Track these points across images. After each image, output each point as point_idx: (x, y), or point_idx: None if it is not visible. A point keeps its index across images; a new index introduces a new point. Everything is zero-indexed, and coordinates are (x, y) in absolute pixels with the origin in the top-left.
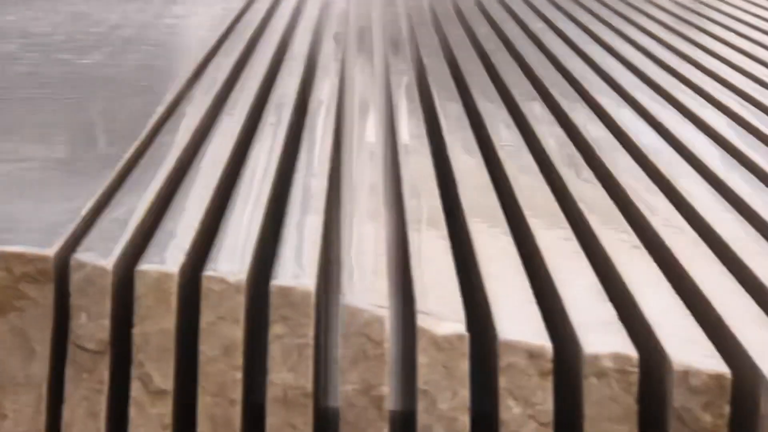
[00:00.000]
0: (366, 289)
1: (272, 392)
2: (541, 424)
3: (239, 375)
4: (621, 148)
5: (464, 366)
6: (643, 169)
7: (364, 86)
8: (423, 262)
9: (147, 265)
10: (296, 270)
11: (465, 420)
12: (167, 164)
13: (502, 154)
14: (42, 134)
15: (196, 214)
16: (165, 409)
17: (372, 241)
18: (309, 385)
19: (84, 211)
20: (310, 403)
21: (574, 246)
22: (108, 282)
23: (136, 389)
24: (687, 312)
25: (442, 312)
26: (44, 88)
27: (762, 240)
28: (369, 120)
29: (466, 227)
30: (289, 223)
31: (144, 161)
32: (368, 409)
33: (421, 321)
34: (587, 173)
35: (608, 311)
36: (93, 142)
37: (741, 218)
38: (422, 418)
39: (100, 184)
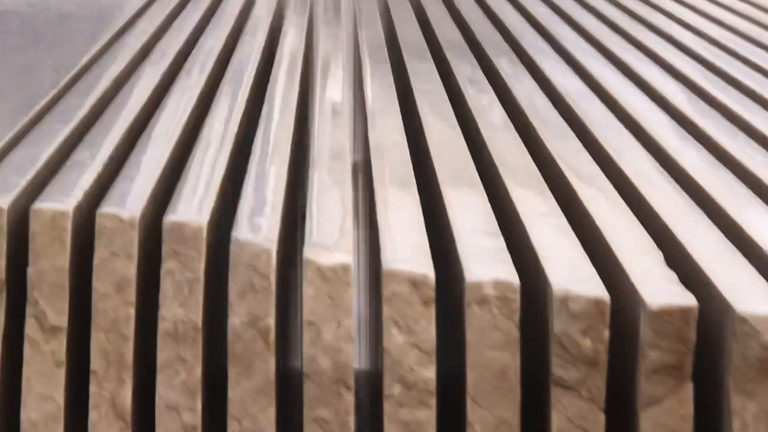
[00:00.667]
0: (262, 225)
1: (163, 327)
2: (423, 352)
3: (132, 311)
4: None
5: (349, 296)
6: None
7: (330, 45)
8: (318, 201)
9: (42, 204)
10: (193, 207)
11: (349, 350)
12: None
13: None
14: None
15: (102, 156)
16: (59, 346)
17: (274, 180)
18: (199, 320)
19: None
20: (199, 337)
21: (470, 177)
22: (2, 221)
23: (30, 327)
24: (577, 243)
25: (329, 244)
26: None
27: (667, 177)
28: (335, 79)
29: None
30: (194, 163)
31: (60, 107)
32: (255, 341)
33: (308, 252)
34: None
35: (496, 243)
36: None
37: (651, 157)
38: (308, 349)
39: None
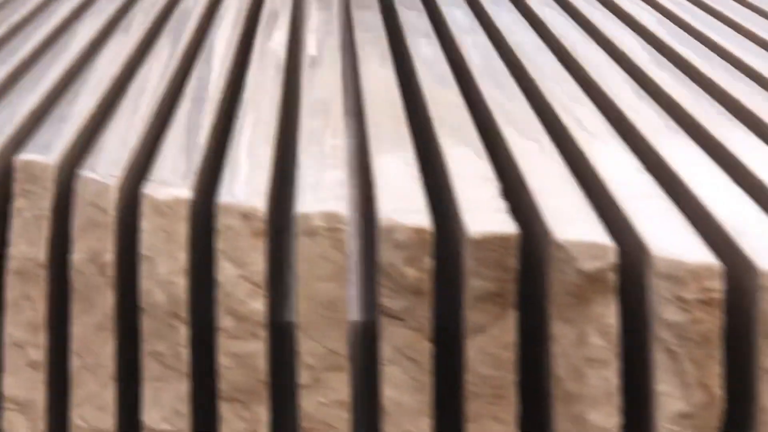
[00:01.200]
0: (109, 160)
1: (11, 265)
2: (254, 284)
3: None
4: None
5: (183, 230)
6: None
7: None
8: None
9: None
10: (47, 148)
11: (182, 283)
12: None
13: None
14: None
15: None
16: None
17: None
18: (42, 256)
19: None
20: (43, 274)
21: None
22: None
23: None
24: (415, 176)
25: (168, 179)
26: None
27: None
28: (277, 30)
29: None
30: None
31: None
32: (95, 276)
33: (146, 188)
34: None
35: (336, 176)
36: None
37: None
38: (144, 283)
39: None
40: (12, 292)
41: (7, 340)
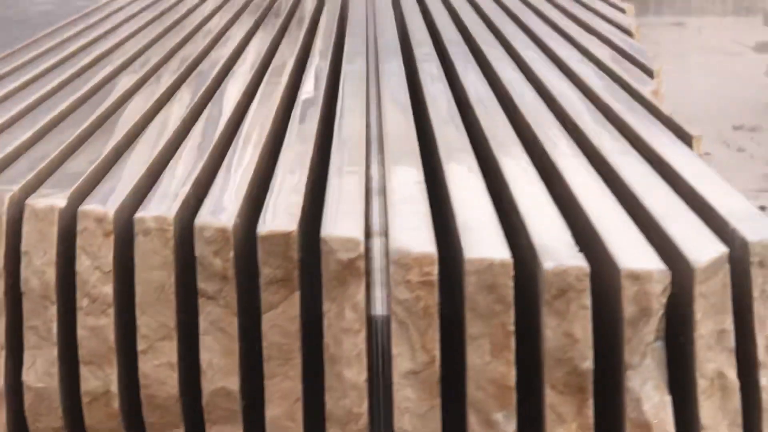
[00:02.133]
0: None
1: None
2: (104, 273)
3: None
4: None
5: (53, 231)
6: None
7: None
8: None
9: None
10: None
11: (52, 272)
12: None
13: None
14: None
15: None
16: None
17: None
18: None
19: None
20: None
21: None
22: None
23: None
24: (241, 182)
25: (50, 193)
26: None
27: None
28: (284, 76)
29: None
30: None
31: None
32: None
33: (29, 199)
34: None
35: (180, 188)
36: None
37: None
38: (23, 272)
39: None
40: None
41: None
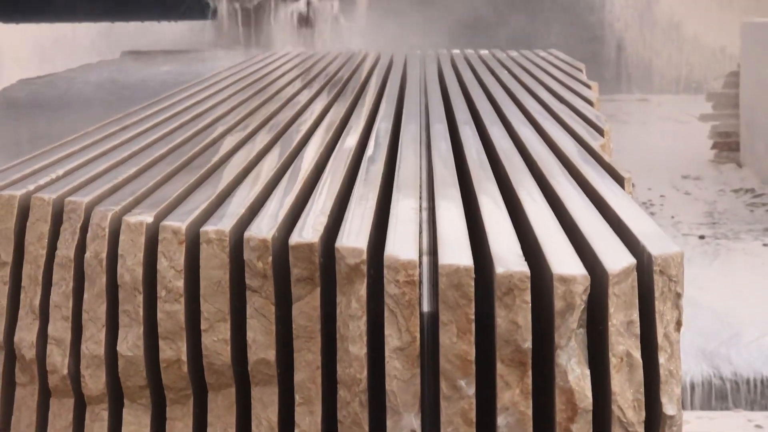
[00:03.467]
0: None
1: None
2: (177, 272)
3: (43, 252)
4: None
5: (141, 240)
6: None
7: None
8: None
9: (3, 192)
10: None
11: (140, 271)
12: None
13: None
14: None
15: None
16: (6, 273)
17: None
18: (72, 254)
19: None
20: (71, 265)
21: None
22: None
23: None
24: (285, 200)
25: (141, 212)
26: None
27: None
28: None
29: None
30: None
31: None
32: (95, 266)
33: (126, 216)
34: None
35: (237, 209)
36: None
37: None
38: (119, 270)
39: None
40: (55, 275)
41: (51, 304)
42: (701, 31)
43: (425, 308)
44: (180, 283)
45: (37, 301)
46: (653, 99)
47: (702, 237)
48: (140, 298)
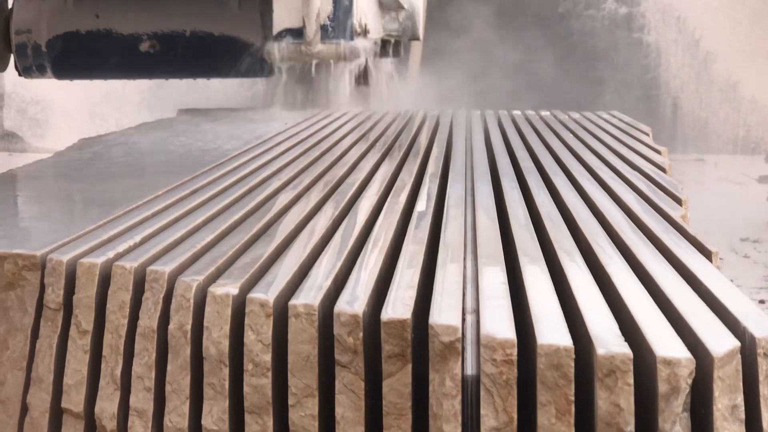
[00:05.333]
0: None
1: (138, 331)
2: (264, 345)
3: (125, 321)
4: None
5: (228, 311)
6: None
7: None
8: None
9: (84, 259)
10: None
11: (225, 343)
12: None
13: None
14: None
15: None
16: (86, 342)
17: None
18: (155, 325)
19: (87, 229)
20: (153, 336)
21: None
22: (63, 269)
23: (72, 330)
24: (371, 276)
25: (226, 283)
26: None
27: None
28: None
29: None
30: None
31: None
32: (181, 339)
33: (211, 287)
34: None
35: (323, 282)
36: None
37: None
38: (204, 342)
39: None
40: (138, 345)
41: (133, 374)
42: (759, 91)
43: (468, 371)
44: (267, 357)
45: (118, 371)
46: (709, 159)
47: (762, 302)
48: (226, 371)
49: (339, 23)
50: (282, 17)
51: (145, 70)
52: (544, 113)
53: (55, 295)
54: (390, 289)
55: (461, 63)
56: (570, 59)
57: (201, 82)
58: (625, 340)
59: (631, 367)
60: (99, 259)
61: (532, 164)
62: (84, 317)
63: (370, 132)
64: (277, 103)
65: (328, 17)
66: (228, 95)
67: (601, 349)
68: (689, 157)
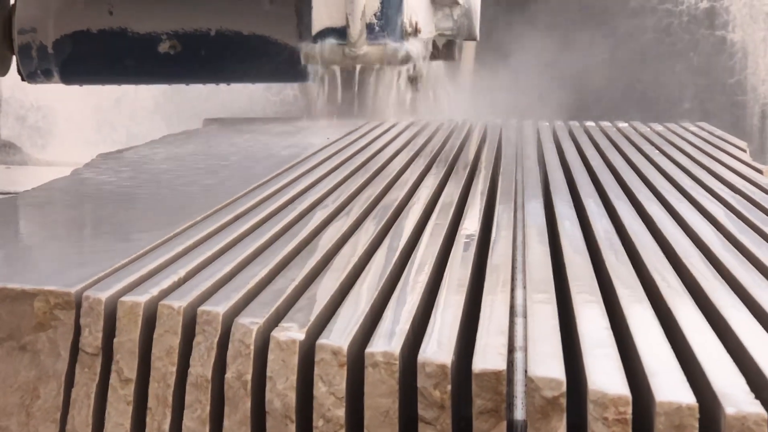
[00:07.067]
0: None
1: (189, 380)
2: (337, 398)
3: (173, 368)
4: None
5: (294, 360)
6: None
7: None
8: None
9: (125, 297)
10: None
11: (292, 396)
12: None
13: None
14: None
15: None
16: (129, 391)
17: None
18: (209, 373)
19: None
20: (208, 386)
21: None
22: (101, 308)
23: (113, 378)
24: (456, 323)
25: (289, 326)
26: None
27: None
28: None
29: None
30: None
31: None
32: (240, 389)
33: (274, 332)
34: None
35: (401, 326)
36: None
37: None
38: (268, 395)
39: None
40: (189, 397)
41: (184, 429)
42: None
43: (518, 416)
44: (341, 412)
45: (166, 426)
46: None
47: None
48: (293, 428)
49: (387, 22)
50: (322, 15)
51: (164, 74)
52: (622, 124)
53: (92, 338)
54: (479, 335)
55: (519, 65)
56: (643, 61)
57: (222, 87)
58: (756, 398)
59: (766, 430)
60: (142, 298)
61: (617, 186)
62: (126, 363)
63: (424, 148)
64: (318, 112)
65: (375, 15)
66: (253, 101)
67: (730, 408)
68: None
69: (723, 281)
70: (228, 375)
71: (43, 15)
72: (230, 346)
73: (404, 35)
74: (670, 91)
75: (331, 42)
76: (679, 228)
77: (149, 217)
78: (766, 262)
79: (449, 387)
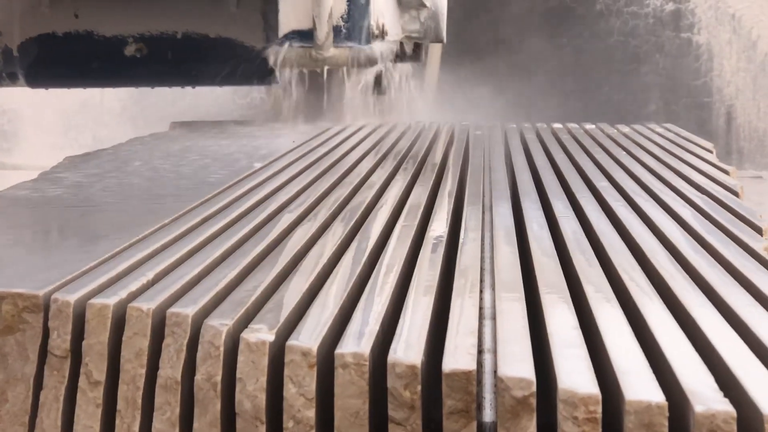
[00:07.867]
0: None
1: (159, 381)
2: (307, 399)
3: (143, 370)
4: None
5: (264, 362)
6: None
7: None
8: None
9: (94, 299)
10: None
11: (262, 397)
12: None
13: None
14: None
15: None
16: (98, 394)
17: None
18: (178, 375)
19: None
20: (178, 388)
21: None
22: (70, 311)
23: (82, 380)
24: (427, 322)
25: (259, 328)
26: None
27: None
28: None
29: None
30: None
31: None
32: (210, 391)
33: (243, 333)
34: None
35: (370, 327)
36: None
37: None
38: (237, 396)
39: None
40: (158, 399)
41: (153, 431)
42: None
43: (486, 418)
44: (311, 413)
45: (136, 428)
46: None
47: None
48: (263, 429)
49: (354, 24)
50: (289, 17)
51: (130, 76)
52: (589, 126)
53: (61, 341)
54: (448, 335)
55: (485, 68)
56: (609, 63)
57: (189, 90)
58: (725, 396)
59: (735, 428)
60: (111, 300)
61: (585, 188)
62: (95, 366)
63: (392, 150)
64: (285, 115)
65: (342, 17)
66: (220, 104)
67: (699, 406)
68: (746, 174)
69: (691, 281)
70: (198, 377)
71: (7, 18)
72: (200, 347)
73: (371, 38)
74: (635, 93)
75: (297, 45)
76: (647, 228)
77: (117, 219)
78: (732, 261)
79: (419, 387)
